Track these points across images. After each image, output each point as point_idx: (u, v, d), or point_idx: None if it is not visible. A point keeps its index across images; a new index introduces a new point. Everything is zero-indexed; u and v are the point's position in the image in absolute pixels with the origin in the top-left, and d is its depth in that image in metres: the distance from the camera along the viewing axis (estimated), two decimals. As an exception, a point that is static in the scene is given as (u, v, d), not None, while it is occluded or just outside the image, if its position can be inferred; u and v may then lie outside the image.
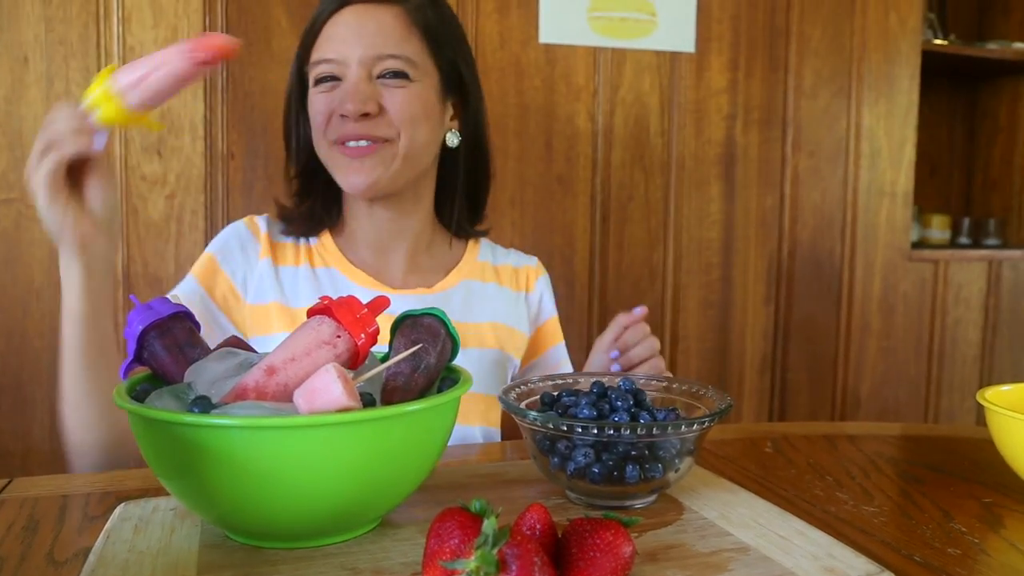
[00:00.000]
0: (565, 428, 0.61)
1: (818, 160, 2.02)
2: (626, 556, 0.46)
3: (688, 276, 1.94)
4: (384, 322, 0.62)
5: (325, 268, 1.03)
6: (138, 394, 0.58)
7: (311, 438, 0.50)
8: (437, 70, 0.99)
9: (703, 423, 0.61)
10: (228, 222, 1.59)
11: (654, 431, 0.61)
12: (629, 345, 0.98)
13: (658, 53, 1.87)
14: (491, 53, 1.75)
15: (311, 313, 0.60)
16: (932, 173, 2.54)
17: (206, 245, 1.05)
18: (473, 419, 1.01)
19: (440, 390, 0.64)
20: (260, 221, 1.05)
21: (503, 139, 1.76)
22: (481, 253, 1.13)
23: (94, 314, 0.78)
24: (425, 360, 0.63)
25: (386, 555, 0.54)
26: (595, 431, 0.60)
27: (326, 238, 1.05)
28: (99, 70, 1.52)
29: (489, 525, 0.41)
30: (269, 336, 0.97)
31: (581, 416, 0.64)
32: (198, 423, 0.49)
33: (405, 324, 0.66)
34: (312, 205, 1.05)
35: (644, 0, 1.84)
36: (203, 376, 0.59)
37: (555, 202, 1.83)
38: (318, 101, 0.97)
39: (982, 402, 0.75)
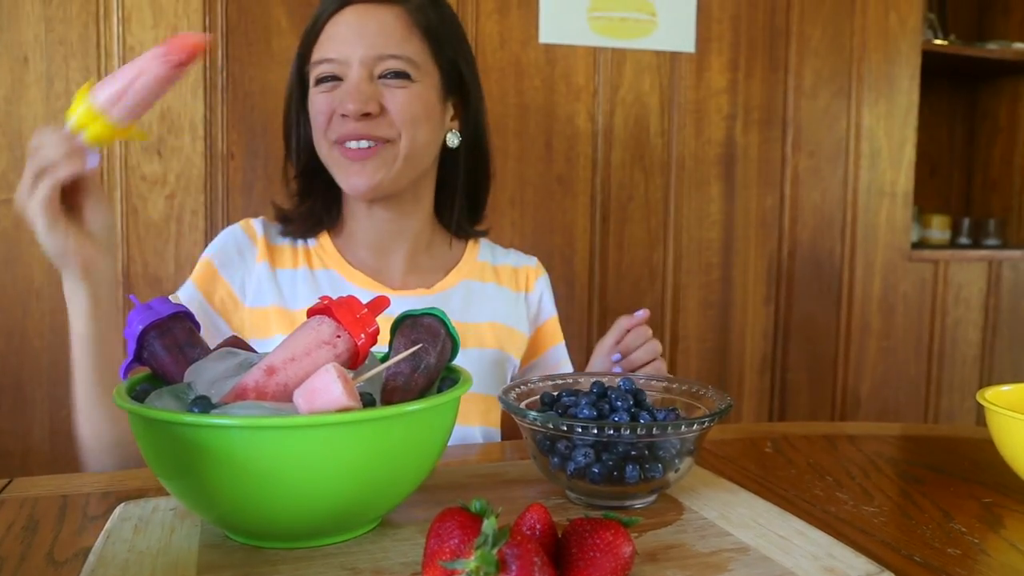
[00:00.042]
0: (565, 428, 0.61)
1: (818, 160, 2.02)
2: (626, 556, 0.46)
3: (688, 276, 1.94)
4: (383, 323, 0.62)
5: (324, 270, 1.03)
6: (138, 394, 0.58)
7: (311, 438, 0.50)
8: (438, 70, 0.99)
9: (703, 423, 0.61)
10: (228, 222, 1.60)
11: (654, 431, 0.61)
12: (631, 348, 0.98)
13: (658, 53, 1.87)
14: (491, 53, 1.75)
15: (311, 313, 0.60)
16: (932, 173, 2.54)
17: (206, 245, 1.05)
18: (473, 419, 1.01)
19: (440, 390, 0.64)
20: (256, 224, 1.05)
21: (503, 139, 1.76)
22: (481, 253, 1.13)
23: (102, 334, 0.79)
24: (425, 360, 0.63)
25: (386, 555, 0.54)
26: (595, 431, 0.60)
27: (324, 239, 1.05)
28: (99, 70, 1.52)
29: (489, 525, 0.41)
30: (268, 339, 0.97)
31: (581, 416, 0.64)
32: (198, 423, 0.49)
33: (405, 324, 0.66)
34: (312, 205, 1.05)
35: (644, 0, 1.84)
36: (203, 376, 0.59)
37: (555, 202, 1.83)
38: (319, 101, 0.96)
39: (982, 402, 0.75)
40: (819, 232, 2.04)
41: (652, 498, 0.65)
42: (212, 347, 0.65)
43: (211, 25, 1.57)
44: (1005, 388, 0.80)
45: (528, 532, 0.47)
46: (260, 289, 1.00)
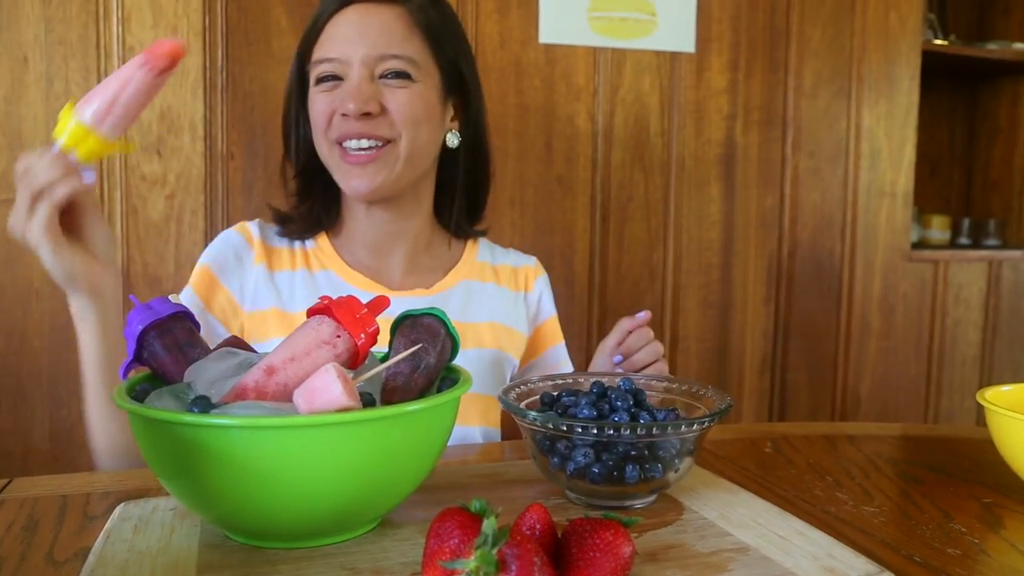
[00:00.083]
0: (565, 428, 0.61)
1: (818, 160, 2.02)
2: (626, 556, 0.46)
3: (688, 276, 1.94)
4: (383, 323, 0.62)
5: (323, 271, 1.03)
6: (138, 394, 0.58)
7: (311, 438, 0.50)
8: (438, 70, 0.99)
9: (703, 423, 0.61)
10: (228, 222, 1.60)
11: (654, 431, 0.61)
12: (632, 350, 0.98)
13: (658, 53, 1.87)
14: (491, 53, 1.75)
15: (311, 313, 0.60)
16: (932, 174, 2.54)
17: (206, 245, 1.05)
18: (472, 419, 1.01)
19: (440, 390, 0.64)
20: (252, 227, 1.04)
21: (503, 139, 1.76)
22: (480, 253, 1.13)
23: (111, 348, 0.80)
24: (425, 360, 0.63)
25: (386, 555, 0.54)
26: (595, 431, 0.60)
27: (323, 240, 1.05)
28: (99, 70, 1.52)
29: (489, 525, 0.41)
30: (267, 342, 0.97)
31: (581, 416, 0.64)
32: (198, 423, 0.49)
33: (405, 324, 0.66)
34: (311, 205, 1.05)
35: (644, 0, 1.84)
36: (203, 376, 0.59)
37: (555, 202, 1.83)
38: (319, 100, 0.96)
39: (982, 402, 0.75)
40: (819, 232, 2.04)
41: (652, 498, 0.65)
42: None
43: (211, 25, 1.57)
44: (1005, 388, 0.80)
45: (528, 532, 0.47)
46: (258, 292, 1.00)
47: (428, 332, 0.64)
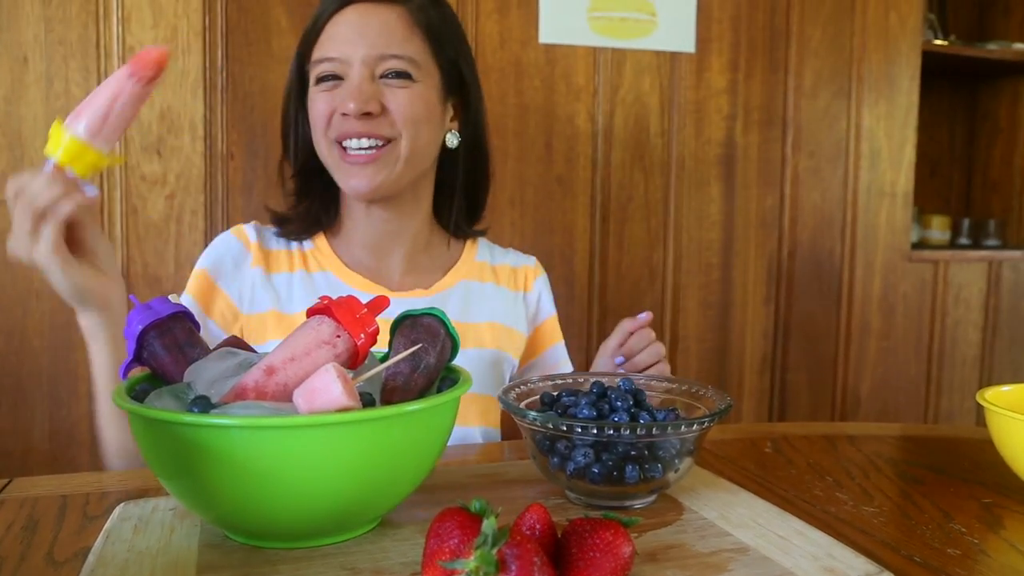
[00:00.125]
0: (565, 428, 0.61)
1: (818, 160, 2.02)
2: (626, 556, 0.46)
3: (688, 276, 1.94)
4: (382, 324, 0.62)
5: (321, 272, 1.02)
6: (138, 394, 0.58)
7: (311, 438, 0.50)
8: (439, 70, 0.99)
9: (703, 423, 0.61)
10: (228, 222, 1.60)
11: (654, 431, 0.61)
12: (634, 351, 0.98)
13: (658, 53, 1.87)
14: (491, 53, 1.75)
15: (311, 313, 0.60)
16: (932, 174, 2.54)
17: (206, 245, 1.05)
18: (472, 419, 1.01)
19: (440, 390, 0.64)
20: (249, 230, 1.04)
21: (503, 139, 1.76)
22: (479, 253, 1.12)
23: (122, 359, 0.80)
24: (424, 360, 0.63)
25: (385, 555, 0.54)
26: (595, 431, 0.60)
27: (321, 241, 1.05)
28: (99, 70, 1.52)
29: (488, 525, 0.41)
30: (265, 344, 0.97)
31: (581, 416, 0.64)
32: (198, 423, 0.49)
33: (405, 324, 0.66)
34: (310, 205, 1.04)
35: (644, 0, 1.84)
36: (203, 376, 0.59)
37: (555, 202, 1.83)
38: (319, 100, 0.96)
39: (982, 403, 0.75)
40: (819, 232, 2.04)
41: (652, 498, 0.65)
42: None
43: (211, 25, 1.57)
44: (1005, 388, 0.80)
45: (528, 532, 0.47)
46: (256, 295, 0.99)
47: (428, 332, 0.64)
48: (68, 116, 0.73)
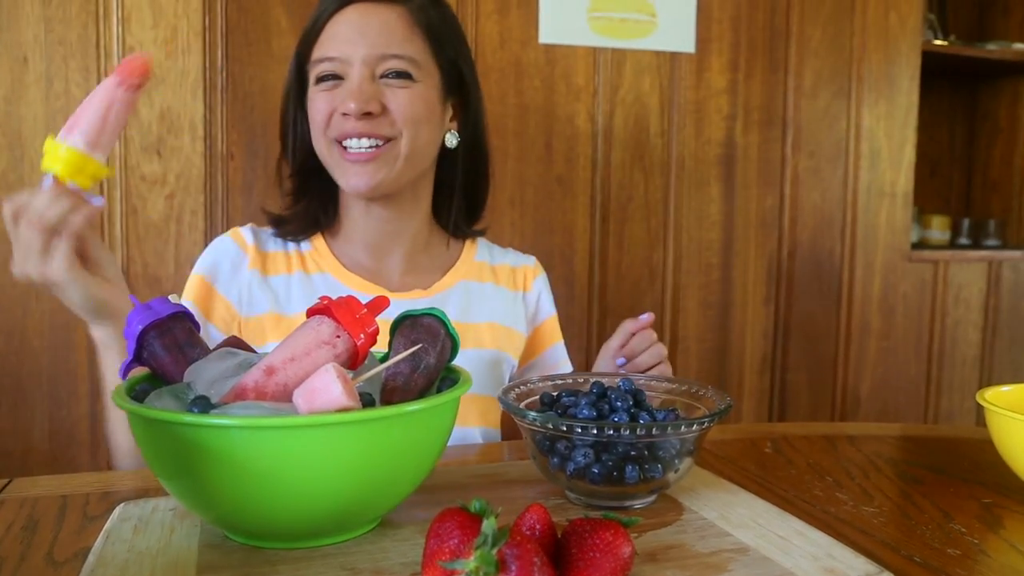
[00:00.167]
0: (565, 428, 0.61)
1: (818, 160, 2.02)
2: (625, 556, 0.46)
3: (688, 276, 1.94)
4: (382, 324, 0.62)
5: (320, 274, 1.02)
6: (137, 394, 0.58)
7: (310, 438, 0.50)
8: (439, 70, 0.99)
9: (703, 423, 0.61)
10: (228, 222, 1.60)
11: (654, 431, 0.61)
12: (636, 352, 0.98)
13: (658, 53, 1.87)
14: (491, 53, 1.75)
15: (311, 313, 0.60)
16: (932, 174, 2.54)
17: (206, 245, 1.05)
18: (471, 420, 1.01)
19: (440, 390, 0.64)
20: (245, 233, 1.03)
21: (503, 139, 1.76)
22: (479, 253, 1.12)
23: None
24: (424, 360, 0.63)
25: (385, 555, 0.54)
26: (595, 431, 0.60)
27: (319, 242, 1.04)
28: (99, 70, 1.52)
29: (488, 525, 0.41)
30: (265, 346, 0.97)
31: (581, 416, 0.64)
32: (197, 423, 0.49)
33: (405, 324, 0.66)
34: (308, 204, 1.04)
35: (644, 0, 1.84)
36: (202, 376, 0.59)
37: (555, 202, 1.83)
38: (319, 100, 0.96)
39: (982, 403, 0.75)
40: (819, 232, 2.04)
41: (652, 498, 0.65)
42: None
43: (211, 25, 1.57)
44: (1005, 388, 0.80)
45: (528, 532, 0.47)
46: (254, 297, 0.99)
47: (428, 332, 0.64)
48: (60, 131, 0.73)
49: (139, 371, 0.62)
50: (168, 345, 0.61)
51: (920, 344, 2.16)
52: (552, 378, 0.75)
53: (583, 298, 1.87)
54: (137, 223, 1.57)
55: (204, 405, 0.54)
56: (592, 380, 0.72)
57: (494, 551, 0.40)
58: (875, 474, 0.80)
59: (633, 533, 0.56)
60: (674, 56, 1.88)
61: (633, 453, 0.62)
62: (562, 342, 1.16)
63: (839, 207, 2.06)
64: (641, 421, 0.65)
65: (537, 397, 0.71)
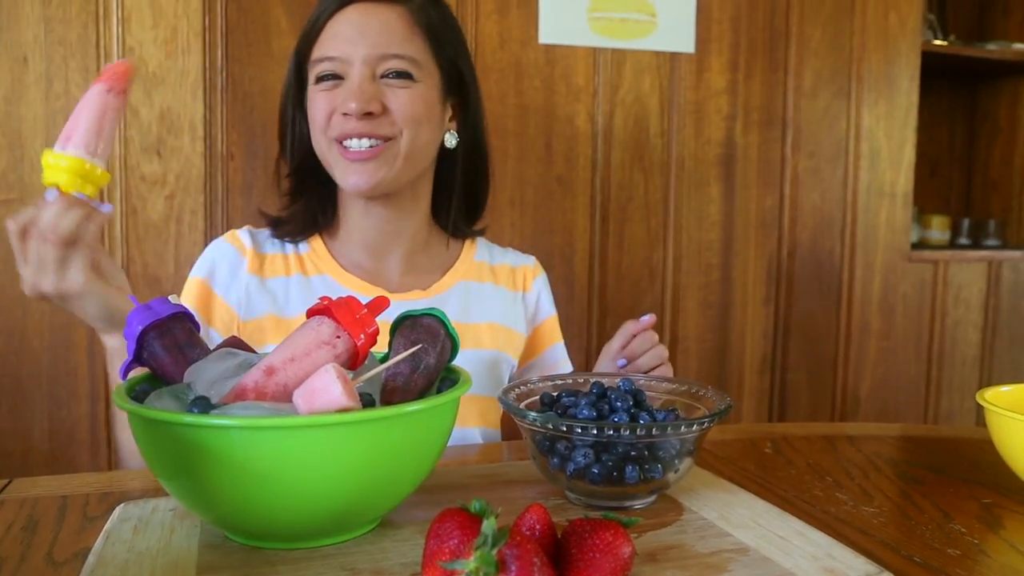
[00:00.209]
0: (565, 428, 0.61)
1: (818, 161, 2.02)
2: (625, 557, 0.46)
3: (688, 277, 1.94)
4: (382, 325, 0.62)
5: (319, 275, 1.02)
6: (137, 394, 0.58)
7: (310, 438, 0.50)
8: (439, 70, 0.99)
9: (703, 424, 0.61)
10: (228, 222, 1.60)
11: (654, 432, 0.61)
12: (637, 354, 0.98)
13: (658, 54, 1.87)
14: (491, 54, 1.75)
15: (311, 313, 0.60)
16: (932, 174, 2.54)
17: (206, 245, 1.05)
18: (470, 420, 1.01)
19: (439, 391, 0.64)
20: (243, 235, 1.03)
21: (503, 140, 1.76)
22: (478, 253, 1.12)
23: None
24: (424, 361, 0.63)
25: (385, 556, 0.54)
26: (595, 432, 0.60)
27: (317, 244, 1.04)
28: (99, 70, 1.52)
29: (488, 525, 0.41)
30: (264, 349, 0.96)
31: (580, 416, 0.64)
32: (198, 423, 0.49)
33: (404, 324, 0.66)
34: (307, 204, 1.04)
35: (644, 1, 1.84)
36: (202, 376, 0.59)
37: (555, 203, 1.83)
38: (319, 99, 0.96)
39: (982, 403, 0.75)
40: (819, 232, 2.04)
41: (652, 499, 0.65)
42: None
43: (211, 25, 1.57)
44: (1005, 389, 0.80)
45: (528, 532, 0.47)
46: (253, 300, 0.99)
47: (428, 333, 0.64)
48: (56, 143, 0.73)
49: (139, 371, 0.62)
50: (168, 345, 0.61)
51: (920, 344, 2.17)
52: (552, 378, 0.75)
53: (583, 298, 1.87)
54: (137, 223, 1.57)
55: (204, 405, 0.54)
56: (592, 380, 0.72)
57: (494, 551, 0.40)
58: (875, 474, 0.80)
59: (633, 533, 0.56)
60: (674, 56, 1.88)
61: (633, 453, 0.62)
62: (562, 342, 1.16)
63: (839, 207, 2.06)
64: (641, 421, 0.65)
65: (537, 397, 0.71)
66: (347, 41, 0.94)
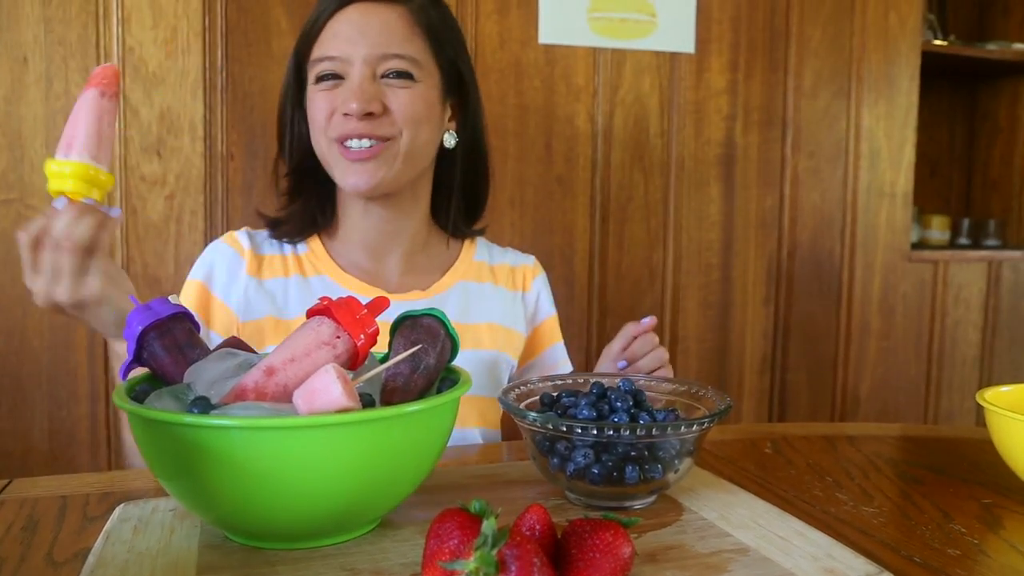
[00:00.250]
0: (564, 429, 0.61)
1: (818, 161, 2.02)
2: (625, 557, 0.46)
3: (688, 277, 1.94)
4: (382, 325, 0.62)
5: (317, 276, 1.02)
6: (138, 395, 0.58)
7: (310, 439, 0.50)
8: (439, 70, 0.99)
9: (702, 424, 0.61)
10: (228, 222, 1.60)
11: (654, 432, 0.61)
12: (637, 356, 0.98)
13: (658, 54, 1.87)
14: (491, 54, 1.75)
15: (311, 313, 0.60)
16: (932, 174, 2.54)
17: (206, 245, 1.05)
18: (470, 421, 1.01)
19: (439, 391, 0.64)
20: (241, 236, 1.03)
21: (503, 140, 1.76)
22: (478, 252, 1.12)
23: None
24: (424, 361, 0.63)
25: (385, 556, 0.54)
26: (594, 432, 0.60)
27: (316, 245, 1.04)
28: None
29: (488, 526, 0.41)
30: (263, 350, 0.96)
31: (580, 417, 0.64)
32: (198, 424, 0.49)
33: (404, 325, 0.66)
34: (305, 204, 1.04)
35: (644, 1, 1.84)
36: (202, 377, 0.59)
37: (555, 203, 1.83)
38: (319, 99, 0.96)
39: (982, 403, 0.75)
40: (819, 232, 2.04)
41: (652, 499, 0.65)
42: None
43: (211, 25, 1.57)
44: (1005, 389, 0.80)
45: (527, 533, 0.47)
46: (252, 302, 0.98)
47: (428, 333, 0.64)
48: (57, 152, 0.73)
49: (139, 372, 0.62)
50: (168, 346, 0.61)
51: (920, 344, 2.17)
52: (552, 378, 0.75)
53: (583, 298, 1.87)
54: (137, 223, 1.57)
55: (204, 406, 0.54)
56: (592, 380, 0.72)
57: (494, 552, 0.40)
58: (875, 474, 0.80)
59: (633, 534, 0.56)
60: (674, 56, 1.88)
61: (633, 453, 0.62)
62: (562, 342, 1.16)
63: (839, 207, 2.06)
64: (641, 421, 0.65)
65: (537, 398, 0.71)
66: (347, 41, 0.94)
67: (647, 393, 0.73)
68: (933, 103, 2.39)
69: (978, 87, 2.51)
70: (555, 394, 0.71)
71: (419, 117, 0.96)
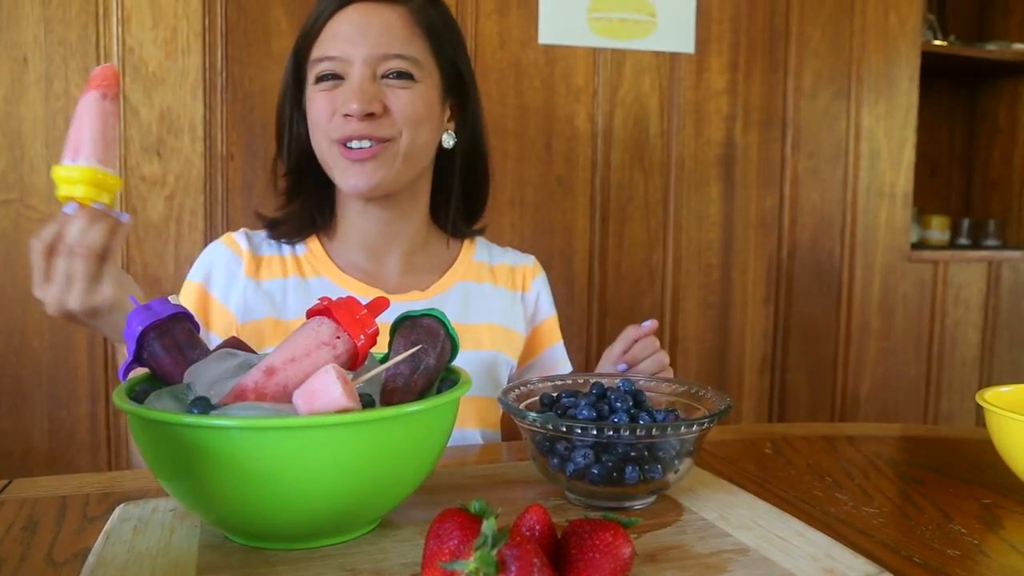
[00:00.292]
0: (564, 429, 0.61)
1: (818, 161, 2.02)
2: (625, 557, 0.46)
3: (688, 277, 1.94)
4: (381, 326, 0.62)
5: (316, 277, 1.02)
6: (137, 395, 0.58)
7: (310, 439, 0.50)
8: (439, 70, 0.99)
9: (702, 424, 0.61)
10: (228, 223, 1.60)
11: (653, 432, 0.61)
12: (637, 359, 0.97)
13: (658, 54, 1.87)
14: (491, 54, 1.75)
15: (311, 314, 0.60)
16: (932, 174, 2.54)
17: (206, 245, 1.05)
18: (470, 421, 1.01)
19: (439, 391, 0.64)
20: (239, 237, 1.03)
21: (502, 140, 1.76)
22: (477, 252, 1.12)
23: None
24: (424, 361, 0.63)
25: (385, 556, 0.54)
26: (594, 432, 0.60)
27: (315, 245, 1.04)
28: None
29: (488, 526, 0.41)
30: (263, 351, 0.96)
31: (580, 417, 0.64)
32: (197, 424, 0.49)
33: (404, 325, 0.66)
34: (304, 204, 1.04)
35: (644, 1, 1.84)
36: (202, 377, 0.59)
37: (555, 203, 1.83)
38: (319, 99, 0.96)
39: (981, 403, 0.75)
40: (819, 233, 2.04)
41: (652, 499, 0.65)
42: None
43: (211, 25, 1.57)
44: (1004, 389, 0.80)
45: (527, 533, 0.47)
46: (251, 303, 0.98)
47: (428, 333, 0.64)
48: (64, 157, 0.72)
49: (139, 372, 0.62)
50: (168, 346, 0.61)
51: (920, 344, 2.17)
52: (552, 379, 0.75)
53: (583, 298, 1.87)
54: (137, 223, 1.57)
55: (204, 406, 0.54)
56: (592, 381, 0.72)
57: (494, 552, 0.40)
58: (875, 474, 0.80)
59: (633, 534, 0.56)
60: (674, 56, 1.88)
61: (633, 454, 0.62)
62: (561, 343, 1.16)
63: (839, 207, 2.06)
64: (641, 422, 0.65)
65: (537, 398, 0.71)
66: (348, 41, 0.94)
67: (647, 393, 0.73)
68: (933, 103, 2.39)
69: (978, 87, 2.51)
70: (555, 394, 0.71)
71: (419, 117, 0.96)
